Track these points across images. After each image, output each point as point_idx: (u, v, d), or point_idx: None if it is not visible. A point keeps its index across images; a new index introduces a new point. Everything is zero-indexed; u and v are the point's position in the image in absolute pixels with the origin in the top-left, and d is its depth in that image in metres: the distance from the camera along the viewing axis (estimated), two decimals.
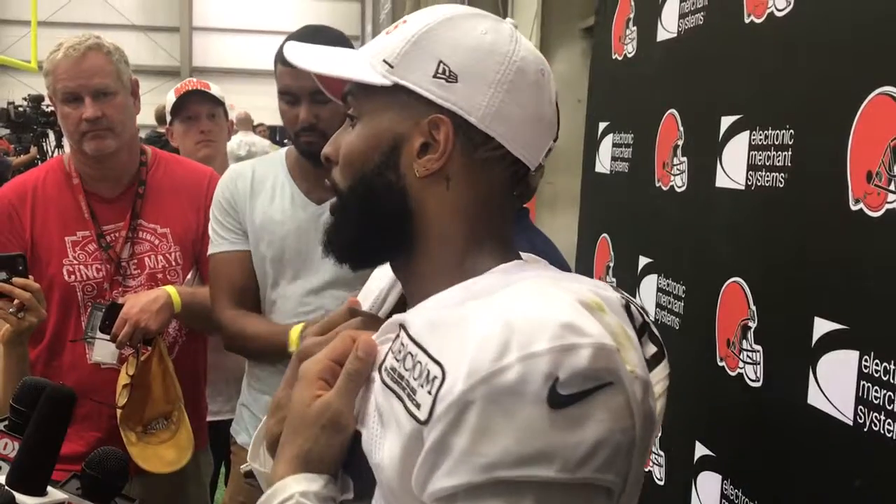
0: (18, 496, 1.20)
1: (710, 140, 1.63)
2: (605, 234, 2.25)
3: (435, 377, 0.89)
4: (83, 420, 2.26)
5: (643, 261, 1.97)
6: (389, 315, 1.12)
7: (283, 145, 5.96)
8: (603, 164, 2.27)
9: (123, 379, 2.30)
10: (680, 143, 1.79)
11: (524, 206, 2.11)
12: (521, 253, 1.13)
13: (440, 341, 0.91)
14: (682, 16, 1.81)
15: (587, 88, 2.49)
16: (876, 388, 1.14)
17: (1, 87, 21.50)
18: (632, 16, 2.11)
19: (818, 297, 1.29)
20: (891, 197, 1.13)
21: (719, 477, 1.56)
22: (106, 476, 1.28)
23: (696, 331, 1.69)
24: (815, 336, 1.27)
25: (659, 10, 1.92)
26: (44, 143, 12.15)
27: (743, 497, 1.48)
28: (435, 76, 1.02)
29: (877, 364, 1.14)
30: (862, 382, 1.17)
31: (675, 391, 1.78)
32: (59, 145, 11.98)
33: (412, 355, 0.93)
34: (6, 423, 1.32)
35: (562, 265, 1.80)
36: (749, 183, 1.50)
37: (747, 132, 1.51)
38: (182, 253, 2.45)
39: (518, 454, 0.84)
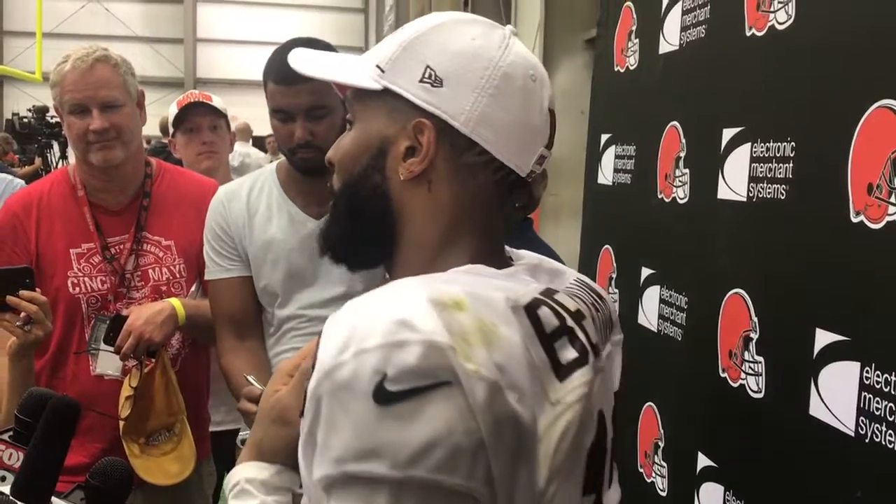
0: None
1: (711, 152, 1.63)
2: (607, 246, 2.25)
3: (309, 367, 0.93)
4: (86, 432, 2.26)
5: (645, 272, 1.97)
6: None
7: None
8: (605, 175, 2.27)
9: (126, 391, 2.30)
10: (682, 154, 1.79)
11: (528, 217, 2.11)
12: (517, 255, 1.14)
13: (324, 336, 0.92)
14: (683, 28, 1.82)
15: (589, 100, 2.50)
16: (877, 399, 1.14)
17: (5, 98, 21.60)
18: (634, 28, 2.12)
19: (819, 308, 1.29)
20: (891, 209, 1.14)
21: (722, 488, 1.56)
22: (109, 486, 1.28)
23: (698, 342, 1.69)
24: (817, 347, 1.28)
25: (661, 23, 1.93)
26: (48, 154, 12.18)
27: None
28: (421, 80, 1.03)
29: (878, 375, 1.15)
30: (863, 393, 1.17)
31: (677, 402, 1.79)
32: (64, 156, 12.00)
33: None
34: (11, 433, 1.33)
35: None
36: (750, 195, 1.50)
37: (749, 144, 1.52)
38: (186, 265, 2.44)
39: (355, 449, 0.85)
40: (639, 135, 2.07)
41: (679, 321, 1.77)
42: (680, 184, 1.79)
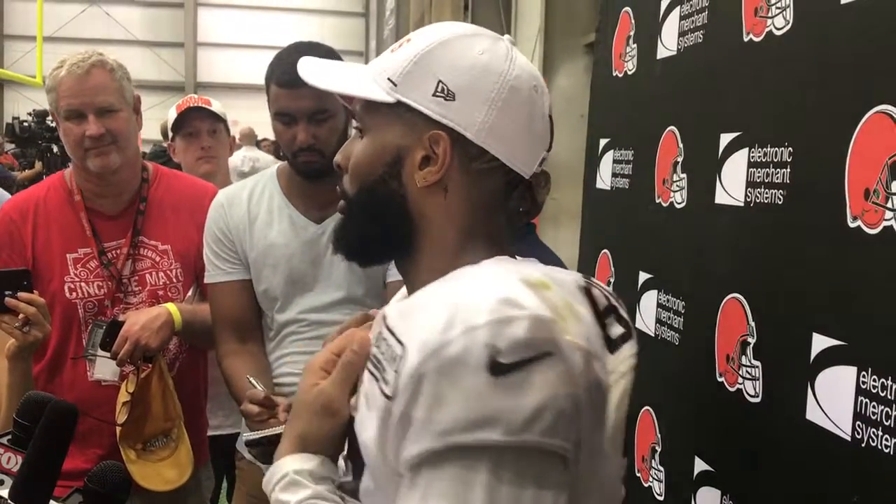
0: None
1: (709, 157, 1.64)
2: (605, 250, 2.26)
3: (399, 356, 0.99)
4: (84, 437, 2.25)
5: (643, 276, 1.97)
6: None
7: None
8: (604, 180, 2.27)
9: (123, 396, 2.30)
10: (680, 159, 1.80)
11: (531, 221, 2.11)
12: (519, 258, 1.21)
13: (405, 324, 1.01)
14: (681, 34, 1.82)
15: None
16: (874, 403, 1.15)
17: (6, 102, 21.62)
18: (632, 33, 2.12)
19: (817, 313, 1.30)
20: (888, 214, 1.14)
21: (718, 492, 1.56)
22: (108, 490, 1.28)
23: (695, 346, 1.69)
24: (814, 352, 1.28)
25: (659, 28, 1.93)
26: (48, 158, 12.17)
27: None
28: (434, 94, 1.11)
29: (874, 380, 1.15)
30: (860, 398, 1.17)
31: (674, 406, 1.79)
32: (65, 163, 12.00)
33: (385, 340, 1.03)
34: (10, 437, 1.33)
35: None
36: (748, 199, 1.50)
37: (746, 149, 1.52)
38: (183, 269, 2.44)
39: (466, 420, 0.92)
40: (637, 139, 2.07)
41: (676, 325, 1.78)
42: (678, 188, 1.80)
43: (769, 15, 1.47)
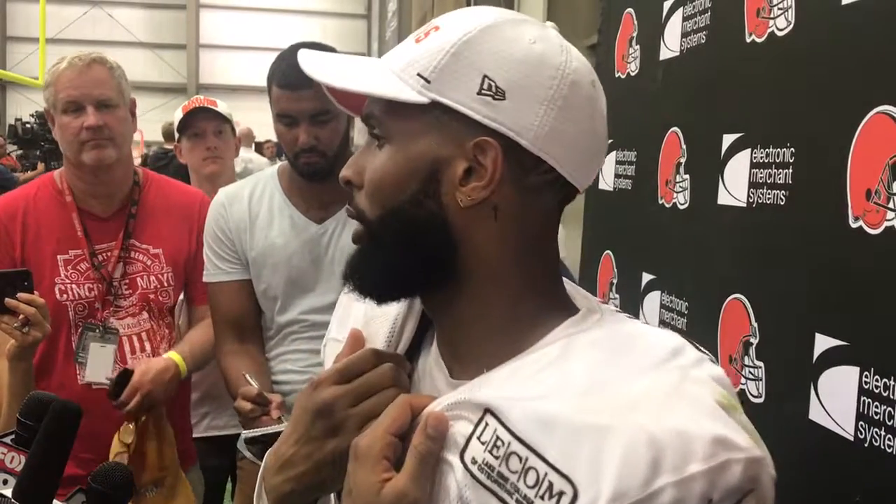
0: None
1: (712, 158, 1.64)
2: (608, 251, 2.26)
3: (562, 492, 0.78)
4: (79, 441, 2.24)
5: (646, 277, 1.97)
6: (410, 351, 1.03)
7: None
8: (606, 181, 2.28)
9: (116, 447, 2.26)
10: (682, 160, 1.80)
11: None
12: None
13: (561, 447, 0.79)
14: (684, 35, 1.82)
15: None
16: (876, 403, 1.15)
17: (9, 103, 21.65)
18: (634, 35, 2.13)
19: (819, 313, 1.30)
20: (889, 214, 1.14)
21: None
22: (111, 489, 1.28)
23: None
24: (816, 352, 1.28)
25: (661, 30, 1.94)
26: (50, 160, 12.19)
27: None
28: (480, 93, 0.89)
29: (877, 380, 1.15)
30: (862, 398, 1.18)
31: None
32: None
33: (519, 457, 0.81)
34: (13, 437, 1.33)
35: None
36: (750, 200, 1.51)
37: (749, 150, 1.52)
38: (174, 274, 2.44)
39: None
40: (639, 140, 2.07)
41: (679, 326, 1.78)
42: (680, 189, 1.80)
43: (771, 16, 1.47)
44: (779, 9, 1.45)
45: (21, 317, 2.03)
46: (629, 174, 2.12)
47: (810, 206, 1.34)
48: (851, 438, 1.19)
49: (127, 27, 23.21)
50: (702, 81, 1.75)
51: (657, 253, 1.95)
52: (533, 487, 0.79)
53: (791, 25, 1.42)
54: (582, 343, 0.88)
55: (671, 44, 1.89)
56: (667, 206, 1.87)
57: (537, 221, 0.94)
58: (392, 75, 0.93)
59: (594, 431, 0.78)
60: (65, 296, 2.32)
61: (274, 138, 13.04)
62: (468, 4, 10.72)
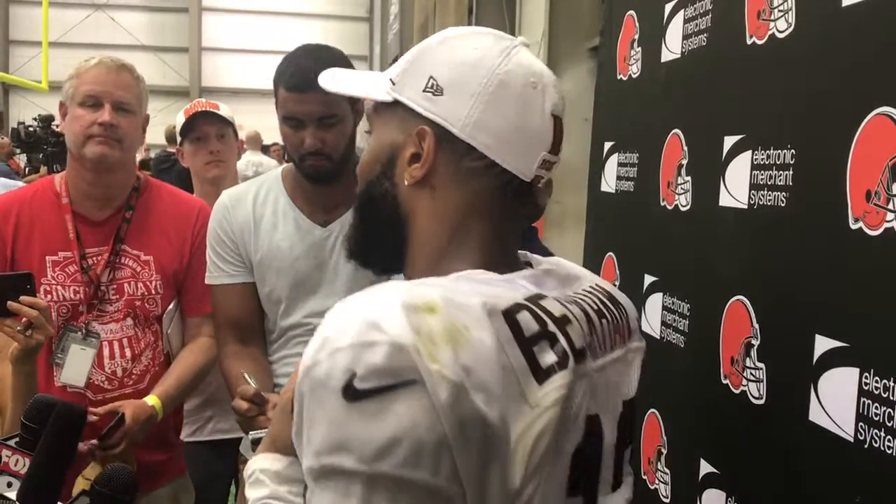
0: None
1: (713, 159, 1.64)
2: (610, 253, 2.26)
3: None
4: None
5: (648, 279, 1.98)
6: None
7: None
8: (608, 183, 2.28)
9: (81, 484, 2.13)
10: (684, 162, 1.80)
11: (532, 225, 2.12)
12: (536, 261, 1.18)
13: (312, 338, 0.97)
14: (685, 37, 1.83)
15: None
16: (876, 404, 1.15)
17: (11, 107, 21.64)
18: (636, 37, 2.13)
19: (819, 314, 1.30)
20: (889, 216, 1.15)
21: (724, 494, 1.56)
22: (115, 492, 1.29)
23: (700, 348, 1.70)
24: (817, 353, 1.28)
25: (663, 32, 1.94)
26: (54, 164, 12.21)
27: None
28: (424, 90, 1.10)
29: (877, 381, 1.15)
30: (862, 399, 1.18)
31: (680, 408, 1.80)
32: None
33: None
34: (17, 439, 1.34)
35: None
36: (752, 202, 1.51)
37: (750, 152, 1.53)
38: (163, 282, 2.43)
39: (329, 443, 0.89)
40: (641, 142, 2.08)
41: (681, 328, 1.78)
42: (682, 191, 1.80)
43: (772, 18, 1.47)
44: (779, 11, 1.45)
45: (24, 320, 2.04)
46: (631, 176, 2.13)
47: (811, 207, 1.34)
48: (851, 440, 1.20)
49: (129, 30, 23.23)
50: (703, 83, 1.75)
51: (659, 255, 1.96)
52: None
53: (791, 27, 1.42)
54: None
55: (672, 46, 1.89)
56: (668, 207, 1.87)
57: (470, 198, 1.10)
58: (379, 82, 1.16)
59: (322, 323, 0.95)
60: (49, 297, 2.31)
61: (279, 141, 13.05)
62: (469, 7, 10.72)
